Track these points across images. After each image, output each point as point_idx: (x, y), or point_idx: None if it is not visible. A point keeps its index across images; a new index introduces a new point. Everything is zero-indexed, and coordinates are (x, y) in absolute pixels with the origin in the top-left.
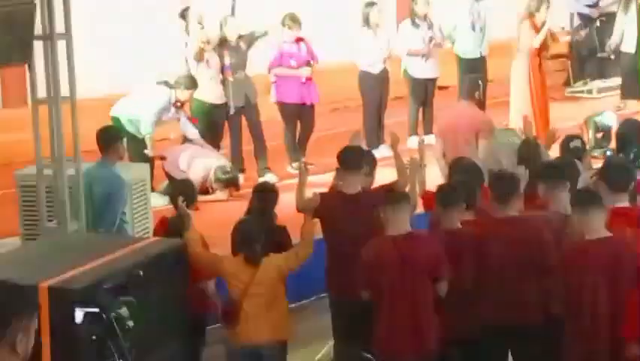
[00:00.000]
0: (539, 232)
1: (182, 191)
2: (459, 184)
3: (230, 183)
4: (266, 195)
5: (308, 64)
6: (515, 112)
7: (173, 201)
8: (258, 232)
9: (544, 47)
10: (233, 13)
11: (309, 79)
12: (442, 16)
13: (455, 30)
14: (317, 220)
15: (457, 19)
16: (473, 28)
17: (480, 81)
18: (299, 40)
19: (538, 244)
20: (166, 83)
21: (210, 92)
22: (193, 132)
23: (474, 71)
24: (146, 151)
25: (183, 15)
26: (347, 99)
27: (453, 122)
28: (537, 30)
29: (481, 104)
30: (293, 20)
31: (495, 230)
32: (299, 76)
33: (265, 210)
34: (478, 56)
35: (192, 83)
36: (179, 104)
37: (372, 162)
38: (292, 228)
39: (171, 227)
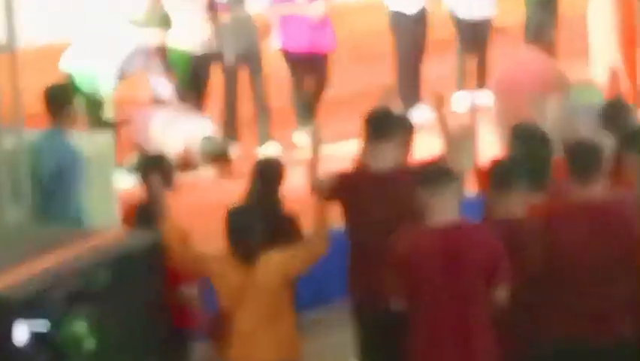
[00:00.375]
0: (632, 221)
1: (157, 167)
2: (521, 158)
3: (220, 157)
4: (269, 173)
5: None
6: (597, 61)
7: (145, 180)
8: (256, 223)
9: None
10: None
11: (323, 19)
12: None
13: None
14: (334, 205)
15: None
16: None
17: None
18: None
19: (630, 237)
20: (132, 22)
21: (192, 36)
22: (167, 88)
23: (547, 4)
24: (104, 116)
25: None
26: (373, 46)
27: (514, 76)
28: None
29: (553, 51)
30: None
31: (572, 218)
32: (309, 15)
33: (268, 193)
34: None
35: (167, 22)
36: (150, 50)
37: (409, 129)
38: (304, 217)
39: (142, 215)
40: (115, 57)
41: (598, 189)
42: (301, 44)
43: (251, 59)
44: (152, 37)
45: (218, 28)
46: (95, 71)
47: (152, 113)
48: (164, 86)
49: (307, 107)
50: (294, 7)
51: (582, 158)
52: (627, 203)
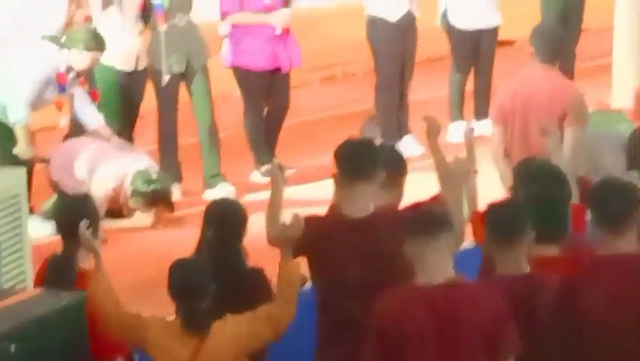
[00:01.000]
0: None
1: (79, 213)
2: (530, 201)
3: (158, 199)
4: (228, 218)
5: (285, 4)
6: (621, 83)
7: (64, 228)
8: (208, 281)
9: None
10: None
11: (285, 30)
12: None
13: None
14: (300, 260)
15: None
16: None
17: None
18: None
19: None
20: (53, 40)
21: (123, 51)
22: (95, 118)
23: (569, 10)
24: (16, 150)
25: None
26: (348, 62)
27: (522, 101)
28: None
29: (571, 71)
30: None
31: (599, 276)
32: (271, 25)
33: (226, 243)
34: None
35: (97, 41)
36: (73, 74)
37: (397, 166)
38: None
39: (59, 271)
40: (29, 79)
41: (632, 242)
42: (261, 60)
43: (193, 77)
44: (79, 58)
45: (153, 40)
46: (4, 97)
47: (76, 146)
48: (90, 114)
49: (266, 138)
50: (253, 15)
51: (613, 202)
52: None
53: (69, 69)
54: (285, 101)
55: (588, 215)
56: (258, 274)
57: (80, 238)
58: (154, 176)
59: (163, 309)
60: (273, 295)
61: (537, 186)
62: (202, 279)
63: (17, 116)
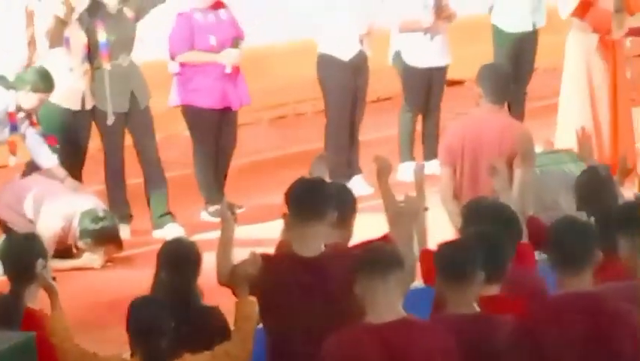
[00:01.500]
0: (632, 319)
1: (27, 252)
2: (477, 240)
3: (107, 238)
4: (181, 260)
5: (234, 44)
6: (565, 124)
7: (12, 268)
8: (166, 319)
9: (608, 16)
10: None
11: (235, 69)
12: None
13: None
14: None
15: None
16: None
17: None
18: (218, 5)
19: (629, 338)
20: (1, 81)
21: (69, 90)
22: (48, 158)
23: (521, 52)
24: None
25: None
26: (299, 101)
27: (471, 141)
28: None
29: (520, 111)
30: None
31: (559, 316)
32: (220, 64)
33: (181, 284)
34: (531, 29)
35: (45, 82)
36: (22, 114)
37: (348, 205)
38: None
39: (6, 311)
40: None
41: (587, 281)
42: (211, 99)
43: (135, 117)
44: (27, 99)
45: (97, 79)
46: None
47: (25, 184)
48: (45, 153)
49: (214, 179)
50: (203, 54)
51: (572, 243)
52: (626, 295)
53: (18, 109)
54: (232, 140)
55: (538, 254)
56: (213, 312)
57: (38, 277)
58: (101, 214)
59: (112, 349)
60: (229, 333)
61: (482, 225)
62: (163, 317)
63: None
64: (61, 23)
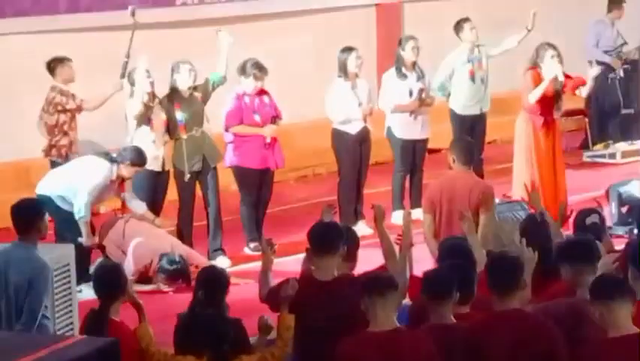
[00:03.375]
0: (548, 329)
1: (113, 278)
2: (451, 269)
3: (177, 277)
4: (212, 283)
5: (273, 121)
6: (517, 181)
7: (101, 290)
8: (227, 329)
9: (552, 102)
10: (123, 76)
11: (274, 139)
12: (433, 64)
13: (450, 81)
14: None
15: (453, 68)
16: (473, 80)
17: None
18: (262, 92)
19: (547, 345)
20: (107, 156)
21: (152, 157)
22: (141, 206)
23: (472, 130)
24: (80, 240)
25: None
26: (317, 165)
27: (447, 195)
28: (539, 83)
29: (480, 171)
30: (259, 68)
31: (493, 327)
32: (263, 135)
33: (213, 302)
34: (478, 112)
35: (141, 158)
36: (116, 182)
37: (354, 242)
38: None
39: (96, 323)
40: (89, 186)
41: (517, 299)
42: (255, 162)
43: (205, 175)
44: (126, 170)
45: (176, 147)
46: (71, 198)
47: (130, 232)
48: (139, 205)
49: (255, 222)
50: (250, 128)
51: (501, 271)
52: (545, 312)
53: (119, 177)
54: (269, 193)
55: None
56: (236, 324)
57: (127, 297)
58: (176, 258)
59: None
60: (249, 341)
61: (454, 258)
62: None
63: (80, 213)
64: (147, 108)
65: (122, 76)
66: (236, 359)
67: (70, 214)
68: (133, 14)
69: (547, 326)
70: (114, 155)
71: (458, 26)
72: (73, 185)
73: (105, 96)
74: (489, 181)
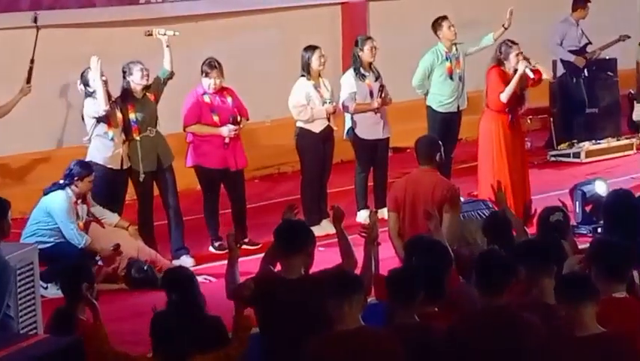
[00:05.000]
0: (536, 327)
1: (79, 277)
2: (417, 269)
3: (147, 285)
4: (178, 284)
5: (234, 120)
6: (484, 181)
7: (67, 289)
8: (181, 325)
9: (519, 99)
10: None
11: (234, 139)
12: (397, 63)
13: (429, 79)
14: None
15: (431, 65)
16: (451, 77)
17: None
18: (224, 90)
19: (535, 343)
20: (54, 186)
21: (111, 154)
22: (114, 216)
23: (449, 127)
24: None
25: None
26: (282, 163)
27: (411, 193)
28: (505, 81)
29: (447, 170)
30: (209, 66)
31: (480, 324)
32: (222, 135)
33: (184, 300)
34: (456, 110)
35: (84, 168)
36: (79, 200)
37: (313, 241)
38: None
39: (62, 321)
40: (63, 217)
41: (503, 300)
42: (212, 161)
43: (161, 175)
44: (80, 187)
45: (131, 147)
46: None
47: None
48: (111, 216)
49: (218, 220)
50: (208, 127)
51: (491, 272)
52: (529, 308)
53: (79, 196)
54: (243, 194)
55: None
56: (215, 321)
57: (82, 297)
58: (145, 266)
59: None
60: (227, 337)
61: (421, 257)
62: (175, 323)
63: (80, 242)
64: (113, 103)
65: (28, 81)
66: (190, 359)
67: (62, 241)
68: (35, 20)
69: (534, 323)
70: (60, 181)
71: (436, 24)
72: (51, 224)
73: (13, 102)
74: (455, 180)
